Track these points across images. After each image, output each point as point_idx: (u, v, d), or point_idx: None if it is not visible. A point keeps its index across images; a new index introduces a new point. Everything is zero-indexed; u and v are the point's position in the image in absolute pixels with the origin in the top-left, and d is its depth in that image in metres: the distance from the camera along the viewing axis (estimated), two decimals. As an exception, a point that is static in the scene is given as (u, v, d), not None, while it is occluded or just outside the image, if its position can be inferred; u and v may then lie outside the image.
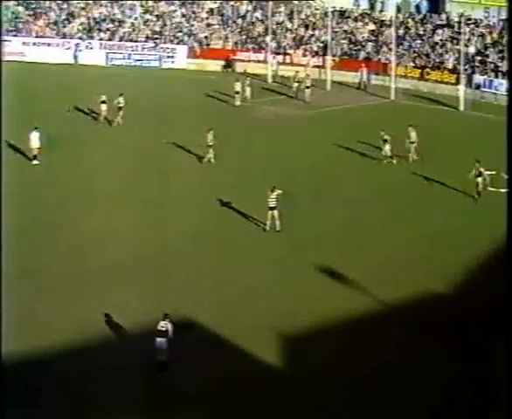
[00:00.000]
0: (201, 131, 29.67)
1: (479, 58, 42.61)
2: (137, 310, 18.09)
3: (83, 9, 52.34)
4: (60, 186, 27.20)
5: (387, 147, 28.45)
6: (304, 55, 47.57)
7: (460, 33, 42.13)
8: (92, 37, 50.93)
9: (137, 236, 22.47)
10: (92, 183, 27.37)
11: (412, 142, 28.98)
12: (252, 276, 20.01)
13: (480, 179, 25.08)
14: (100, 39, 50.77)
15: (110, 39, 50.93)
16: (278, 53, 48.02)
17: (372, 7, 50.12)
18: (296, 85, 40.38)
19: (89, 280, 19.63)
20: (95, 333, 17.04)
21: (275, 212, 22.16)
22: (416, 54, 44.82)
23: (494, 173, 25.58)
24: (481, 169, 25.09)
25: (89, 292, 19.02)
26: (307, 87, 39.63)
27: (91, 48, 50.12)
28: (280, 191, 22.15)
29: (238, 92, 39.07)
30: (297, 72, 42.16)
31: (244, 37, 50.53)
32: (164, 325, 15.88)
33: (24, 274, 19.11)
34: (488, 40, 43.55)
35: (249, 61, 48.67)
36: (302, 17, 50.24)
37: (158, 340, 15.78)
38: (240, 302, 18.52)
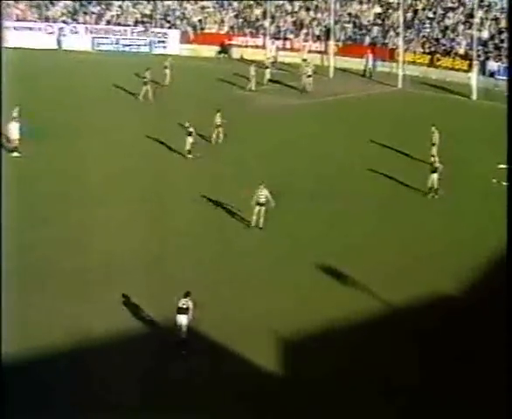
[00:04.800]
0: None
1: (493, 43, 42.75)
2: (131, 310, 18.32)
3: (67, -10, 52.56)
4: (44, 180, 27.07)
5: (190, 140, 28.20)
6: (305, 40, 47.74)
7: (472, 16, 42.25)
8: (77, 21, 51.05)
9: (130, 234, 22.65)
10: (80, 176, 27.45)
11: (434, 144, 27.73)
12: (250, 276, 20.17)
13: (435, 175, 24.43)
14: (86, 23, 50.90)
15: (96, 23, 51.05)
16: (277, 38, 48.20)
17: (378, -12, 50.30)
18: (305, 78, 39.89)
19: (80, 279, 19.80)
20: (88, 333, 17.27)
21: (263, 209, 22.34)
22: (425, 39, 44.92)
23: (505, 167, 25.66)
24: (438, 165, 24.42)
25: (80, 291, 19.22)
26: (309, 76, 39.66)
27: (76, 32, 50.25)
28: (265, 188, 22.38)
29: (254, 76, 39.61)
30: (304, 59, 42.10)
31: (240, 20, 50.69)
32: (185, 302, 16.50)
33: (13, 273, 19.19)
34: (503, 24, 43.67)
35: (246, 47, 48.82)
36: (303, -2, 50.43)
37: (179, 317, 16.45)
38: (238, 303, 18.65)
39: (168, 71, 39.96)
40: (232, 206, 24.05)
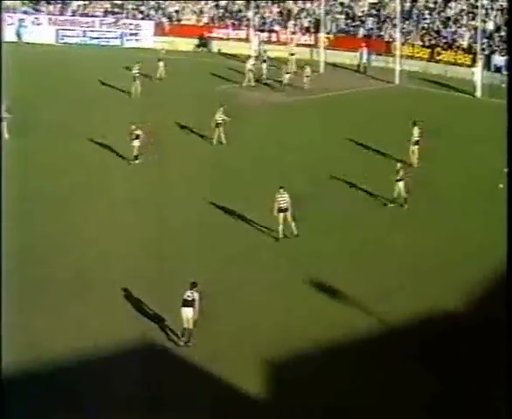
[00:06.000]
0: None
1: (499, 35, 42.87)
2: (100, 325, 18.40)
3: (28, -23, 52.46)
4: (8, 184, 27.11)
5: (137, 144, 28.50)
6: (293, 32, 47.77)
7: (476, 6, 42.39)
8: (39, 11, 50.76)
9: (102, 241, 22.76)
10: (53, 176, 27.62)
11: (416, 142, 28.22)
12: (237, 290, 20.02)
13: (400, 184, 24.57)
14: (49, 13, 50.65)
15: (61, 13, 50.83)
16: (262, 30, 48.19)
17: (373, -25, 50.50)
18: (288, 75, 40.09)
19: (47, 289, 19.86)
20: (51, 349, 17.37)
21: (288, 214, 22.30)
22: (425, 31, 45.12)
23: (507, 170, 25.63)
24: (402, 172, 24.44)
25: (44, 303, 19.28)
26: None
27: (38, 24, 50.03)
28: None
29: (251, 70, 40.03)
30: (292, 54, 42.59)
31: (221, 11, 50.67)
32: (191, 294, 17.15)
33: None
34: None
35: (228, 39, 48.94)
36: (291, -13, 50.52)
37: (184, 310, 17.10)
38: (222, 320, 18.50)
39: (162, 63, 40.65)
40: (221, 213, 24.21)
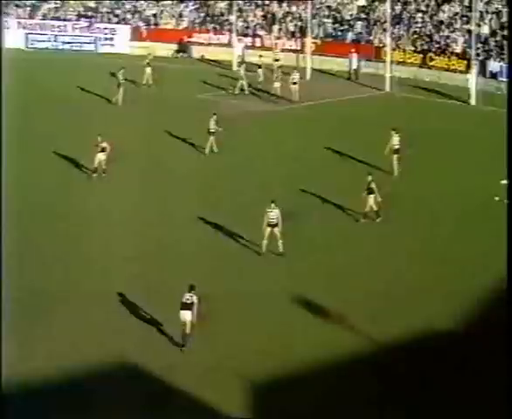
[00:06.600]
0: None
1: (494, 39, 42.70)
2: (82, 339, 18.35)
3: (-4, -21, 51.96)
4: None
5: (102, 157, 28.46)
6: (278, 37, 47.43)
7: (470, 9, 42.29)
8: (7, 14, 50.25)
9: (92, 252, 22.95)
10: (26, 190, 27.58)
11: (396, 150, 28.24)
12: (219, 308, 19.67)
13: (371, 197, 24.64)
14: (18, 17, 50.11)
15: (31, 17, 50.31)
16: (245, 35, 47.76)
17: (362, -22, 50.26)
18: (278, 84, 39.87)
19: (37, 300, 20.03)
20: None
21: (276, 230, 22.48)
22: (416, 36, 44.89)
23: (506, 183, 25.35)
24: (373, 185, 24.78)
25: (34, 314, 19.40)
26: (295, 83, 39.34)
27: (6, 28, 49.58)
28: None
29: (243, 77, 40.10)
30: (277, 59, 42.76)
31: (202, 14, 50.26)
32: (190, 297, 17.81)
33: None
34: (505, 18, 43.63)
35: (209, 45, 48.75)
36: (275, -11, 50.19)
37: (183, 313, 17.79)
38: (202, 337, 18.22)
39: (149, 69, 40.62)
40: (202, 229, 24.34)
